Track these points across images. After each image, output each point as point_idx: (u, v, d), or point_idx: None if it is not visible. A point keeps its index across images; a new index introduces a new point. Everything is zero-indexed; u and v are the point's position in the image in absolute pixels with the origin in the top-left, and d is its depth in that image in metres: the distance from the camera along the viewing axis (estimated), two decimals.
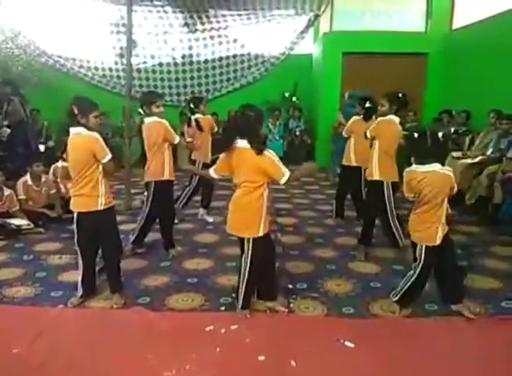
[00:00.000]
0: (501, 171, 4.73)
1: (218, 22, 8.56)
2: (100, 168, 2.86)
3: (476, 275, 3.49)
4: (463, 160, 5.45)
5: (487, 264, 3.74)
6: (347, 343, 2.55)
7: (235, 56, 9.01)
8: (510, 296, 3.14)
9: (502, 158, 4.93)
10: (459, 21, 7.80)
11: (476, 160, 5.41)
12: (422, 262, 2.78)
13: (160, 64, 8.94)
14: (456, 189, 2.75)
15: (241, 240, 2.81)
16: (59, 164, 5.17)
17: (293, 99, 8.87)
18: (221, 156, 2.77)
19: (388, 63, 7.94)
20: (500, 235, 4.43)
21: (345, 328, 2.73)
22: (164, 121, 3.69)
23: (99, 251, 3.04)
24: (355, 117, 4.72)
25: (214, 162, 2.90)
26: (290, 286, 3.30)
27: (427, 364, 2.39)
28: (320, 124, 8.40)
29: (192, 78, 9.13)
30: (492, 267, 3.67)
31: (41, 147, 7.12)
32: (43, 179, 4.89)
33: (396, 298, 2.91)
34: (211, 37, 8.79)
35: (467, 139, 6.18)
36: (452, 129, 6.36)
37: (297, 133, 8.46)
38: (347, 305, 3.01)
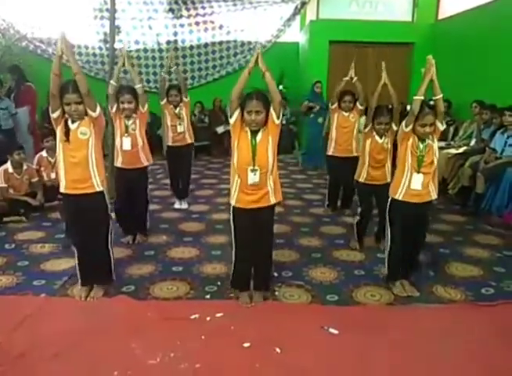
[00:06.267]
0: (483, 161, 4.80)
1: (203, 8, 8.42)
2: None
3: (457, 263, 3.56)
4: (447, 150, 5.51)
5: (468, 252, 3.81)
6: (332, 330, 2.58)
7: (220, 43, 8.91)
8: (490, 283, 3.21)
9: (485, 148, 4.99)
10: (445, 11, 7.83)
11: (460, 150, 5.48)
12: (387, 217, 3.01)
13: (145, 50, 8.78)
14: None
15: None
16: (44, 153, 5.07)
17: (280, 87, 8.82)
18: None
19: (375, 52, 7.94)
20: (482, 224, 4.51)
21: (329, 315, 2.75)
22: None
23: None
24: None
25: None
26: (276, 274, 3.30)
27: (409, 350, 2.43)
28: None
29: (177, 65, 9.17)
30: (473, 255, 3.74)
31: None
32: (24, 167, 4.79)
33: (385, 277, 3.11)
34: (196, 23, 8.66)
35: (451, 129, 6.25)
36: None
37: (284, 122, 8.43)
38: (331, 293, 3.04)
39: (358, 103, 4.54)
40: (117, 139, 3.82)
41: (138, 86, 3.72)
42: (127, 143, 3.72)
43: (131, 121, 3.71)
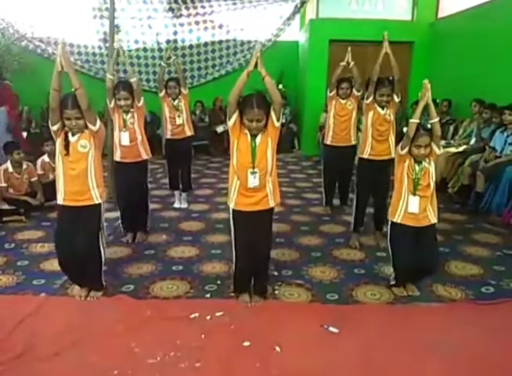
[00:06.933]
0: (483, 160, 4.80)
1: (203, 7, 8.40)
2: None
3: (457, 261, 3.57)
4: (447, 149, 5.51)
5: (468, 251, 3.81)
6: (332, 329, 2.58)
7: (220, 42, 8.90)
8: (490, 282, 3.21)
9: (484, 147, 5.00)
10: (444, 10, 7.83)
11: (460, 149, 5.48)
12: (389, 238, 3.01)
13: (145, 49, 8.77)
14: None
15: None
16: (46, 158, 5.04)
17: (280, 86, 8.82)
18: None
19: (374, 51, 7.91)
20: (482, 223, 4.51)
21: (329, 314, 2.75)
22: None
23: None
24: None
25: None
26: (276, 273, 3.31)
27: (409, 349, 2.43)
28: (306, 112, 8.39)
29: (175, 58, 9.30)
30: (473, 254, 3.74)
31: (23, 134, 6.96)
32: (24, 166, 4.79)
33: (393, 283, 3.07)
34: (196, 23, 8.65)
35: (451, 128, 6.26)
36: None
37: (284, 121, 8.44)
38: (331, 292, 3.04)
39: (354, 90, 4.53)
40: (115, 133, 3.81)
41: (133, 80, 3.70)
42: (125, 138, 3.72)
43: (129, 116, 3.72)
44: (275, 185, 2.76)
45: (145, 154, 3.85)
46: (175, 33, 8.69)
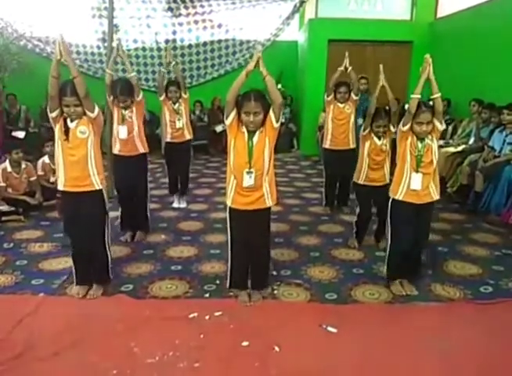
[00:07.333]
0: (482, 160, 4.80)
1: (202, 6, 8.39)
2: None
3: (456, 261, 3.57)
4: (446, 149, 5.52)
5: (467, 250, 3.81)
6: (330, 328, 2.58)
7: (219, 42, 8.89)
8: (489, 281, 3.21)
9: (483, 147, 5.00)
10: (443, 10, 7.83)
11: (459, 148, 5.49)
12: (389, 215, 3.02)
13: (144, 49, 8.76)
14: None
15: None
16: (46, 159, 5.03)
17: (279, 86, 8.81)
18: None
19: (373, 50, 7.96)
20: (480, 222, 4.52)
21: (328, 314, 2.76)
22: None
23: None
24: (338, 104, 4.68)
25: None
26: (275, 273, 3.31)
27: (407, 348, 2.44)
28: (305, 111, 8.39)
29: (175, 64, 9.24)
30: (471, 253, 3.75)
31: (21, 134, 6.95)
32: (23, 166, 4.78)
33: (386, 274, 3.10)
34: (195, 22, 8.64)
35: (450, 127, 6.26)
36: None
37: (283, 121, 8.43)
38: (330, 292, 3.04)
39: (352, 94, 4.56)
40: (114, 125, 3.85)
41: (131, 75, 3.74)
42: (123, 132, 3.75)
43: (128, 111, 3.75)
44: (272, 185, 2.76)
45: (142, 148, 3.86)
46: (174, 32, 8.68)
